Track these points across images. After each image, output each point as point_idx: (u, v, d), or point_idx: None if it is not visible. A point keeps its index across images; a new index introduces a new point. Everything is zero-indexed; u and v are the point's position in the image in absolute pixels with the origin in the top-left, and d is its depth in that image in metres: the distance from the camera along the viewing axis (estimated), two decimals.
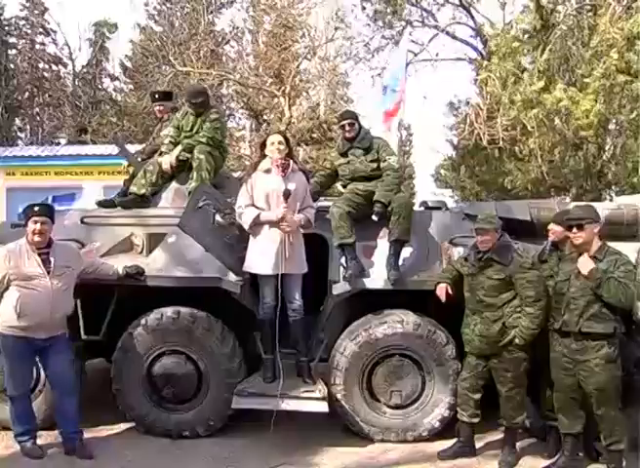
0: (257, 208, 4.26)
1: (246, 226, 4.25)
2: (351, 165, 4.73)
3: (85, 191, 14.03)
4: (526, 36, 11.91)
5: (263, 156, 4.33)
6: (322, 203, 4.87)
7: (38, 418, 4.27)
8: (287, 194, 4.14)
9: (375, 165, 4.68)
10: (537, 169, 12.23)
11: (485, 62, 12.40)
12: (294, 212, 4.23)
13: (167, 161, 5.06)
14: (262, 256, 4.22)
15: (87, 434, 4.34)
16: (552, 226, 4.15)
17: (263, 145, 4.35)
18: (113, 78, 24.88)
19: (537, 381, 4.11)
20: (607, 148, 11.97)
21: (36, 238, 3.98)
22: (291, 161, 4.28)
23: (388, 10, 15.19)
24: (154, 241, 4.57)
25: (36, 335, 3.98)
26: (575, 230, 3.78)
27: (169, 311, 4.42)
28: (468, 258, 4.14)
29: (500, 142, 12.61)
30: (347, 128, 4.72)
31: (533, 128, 11.06)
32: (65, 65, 24.57)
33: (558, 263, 3.98)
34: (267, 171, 4.27)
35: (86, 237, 4.62)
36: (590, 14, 12.10)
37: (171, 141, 5.17)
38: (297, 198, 4.25)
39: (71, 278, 4.12)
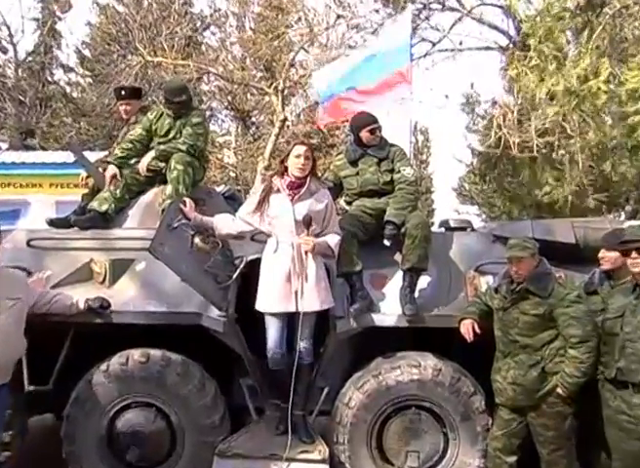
0: (247, 223, 4.42)
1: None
2: (361, 176, 4.84)
3: (32, 207, 14.12)
4: (567, 15, 11.98)
5: (285, 168, 4.40)
6: None
7: None
8: (308, 221, 4.24)
9: (388, 177, 4.80)
10: (577, 179, 12.24)
11: (517, 52, 12.54)
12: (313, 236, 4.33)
13: (111, 172, 5.15)
14: (264, 291, 4.33)
15: None
16: (604, 253, 4.19)
17: (287, 155, 4.42)
18: (67, 69, 24.69)
19: (587, 442, 4.12)
20: None
21: None
22: (308, 180, 4.37)
23: None
24: (119, 268, 4.64)
25: None
26: (634, 254, 3.82)
27: (136, 354, 4.47)
28: (499, 290, 4.21)
29: (535, 150, 12.69)
30: (378, 133, 4.85)
31: (574, 129, 11.07)
32: (5, 51, 23.95)
33: (610, 296, 4.06)
34: (277, 190, 4.40)
35: (34, 263, 4.67)
36: None
37: (127, 148, 5.24)
38: (314, 221, 4.33)
39: (21, 312, 4.13)
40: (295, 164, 4.35)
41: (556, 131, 12.02)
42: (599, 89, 10.32)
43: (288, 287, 4.27)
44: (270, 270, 4.33)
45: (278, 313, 4.31)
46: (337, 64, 8.74)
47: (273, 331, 4.34)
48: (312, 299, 4.27)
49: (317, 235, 4.36)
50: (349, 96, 7.63)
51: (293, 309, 4.26)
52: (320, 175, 5.21)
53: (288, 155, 4.41)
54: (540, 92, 11.18)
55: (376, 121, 4.91)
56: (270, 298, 4.30)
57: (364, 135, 4.87)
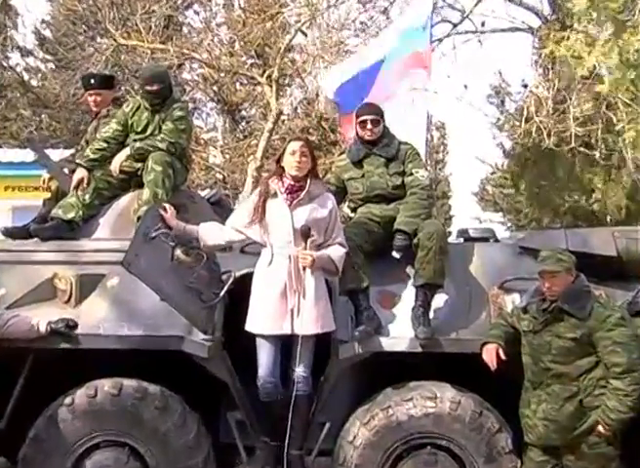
0: (238, 232, 4.47)
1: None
2: (367, 179, 4.90)
3: None
4: None
5: (281, 168, 4.48)
6: None
7: None
8: (306, 232, 4.30)
9: (399, 180, 4.86)
10: (625, 178, 12.17)
11: (554, 32, 12.51)
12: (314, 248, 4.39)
13: (79, 175, 5.18)
14: (256, 309, 4.39)
15: None
16: None
17: (282, 154, 4.50)
18: (25, 52, 24.63)
19: None
20: None
21: None
22: (308, 181, 4.43)
23: None
24: (87, 285, 4.68)
25: None
26: None
27: (106, 385, 4.49)
28: (528, 309, 4.25)
29: (573, 141, 12.62)
30: (370, 126, 4.89)
31: (621, 118, 10.95)
32: None
33: None
34: (274, 195, 4.46)
35: None
36: None
37: (101, 148, 5.28)
38: (315, 231, 4.38)
39: None
40: (290, 162, 4.41)
41: (598, 119, 11.98)
42: None
43: (283, 305, 4.32)
44: (263, 285, 4.39)
45: (271, 335, 4.36)
46: (347, 67, 8.68)
47: (265, 356, 4.37)
48: (310, 320, 4.32)
49: (318, 246, 4.42)
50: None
51: (288, 331, 4.31)
52: (321, 177, 5.26)
53: (283, 153, 4.48)
54: (582, 68, 11.05)
55: (371, 112, 4.94)
56: (262, 318, 4.35)
57: (358, 129, 4.95)
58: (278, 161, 4.52)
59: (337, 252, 4.43)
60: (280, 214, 4.39)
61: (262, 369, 4.38)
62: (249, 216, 4.46)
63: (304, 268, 4.32)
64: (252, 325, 4.40)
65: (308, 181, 4.43)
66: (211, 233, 4.52)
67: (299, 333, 4.29)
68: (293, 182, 4.43)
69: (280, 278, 4.34)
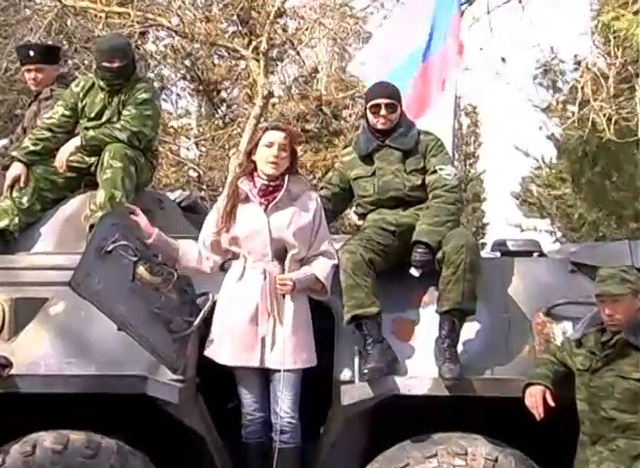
0: (216, 252, 4.53)
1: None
2: (378, 178, 4.92)
3: None
4: None
5: (252, 163, 4.55)
6: None
7: None
8: (281, 255, 4.39)
9: (418, 179, 4.88)
10: None
11: None
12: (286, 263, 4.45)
13: (15, 171, 5.22)
14: (219, 333, 4.44)
15: None
16: None
17: (255, 145, 4.56)
18: None
19: None
20: None
21: None
22: (285, 180, 4.48)
23: None
24: (25, 312, 4.69)
25: None
26: None
27: (48, 439, 4.46)
28: (584, 343, 4.27)
29: None
30: (383, 112, 4.91)
31: None
32: None
33: None
34: (246, 199, 4.51)
35: None
36: None
37: (43, 137, 5.31)
38: (294, 241, 4.46)
39: None
40: (265, 157, 4.47)
41: None
42: None
43: (252, 332, 4.38)
44: (230, 305, 4.46)
45: (242, 367, 4.43)
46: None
47: (246, 390, 4.48)
48: (289, 353, 4.38)
49: (301, 260, 4.49)
50: None
51: (256, 363, 4.39)
52: (321, 175, 5.30)
53: (256, 145, 4.53)
54: None
55: (385, 94, 4.97)
56: (225, 345, 4.41)
57: (368, 115, 4.99)
58: (250, 154, 4.58)
59: (323, 267, 4.50)
60: (254, 220, 4.46)
61: (246, 404, 4.47)
62: (218, 227, 4.53)
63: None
64: (211, 351, 4.46)
65: (286, 178, 4.50)
66: (194, 255, 4.56)
67: (273, 368, 4.37)
68: (267, 182, 4.49)
69: (251, 298, 4.42)
